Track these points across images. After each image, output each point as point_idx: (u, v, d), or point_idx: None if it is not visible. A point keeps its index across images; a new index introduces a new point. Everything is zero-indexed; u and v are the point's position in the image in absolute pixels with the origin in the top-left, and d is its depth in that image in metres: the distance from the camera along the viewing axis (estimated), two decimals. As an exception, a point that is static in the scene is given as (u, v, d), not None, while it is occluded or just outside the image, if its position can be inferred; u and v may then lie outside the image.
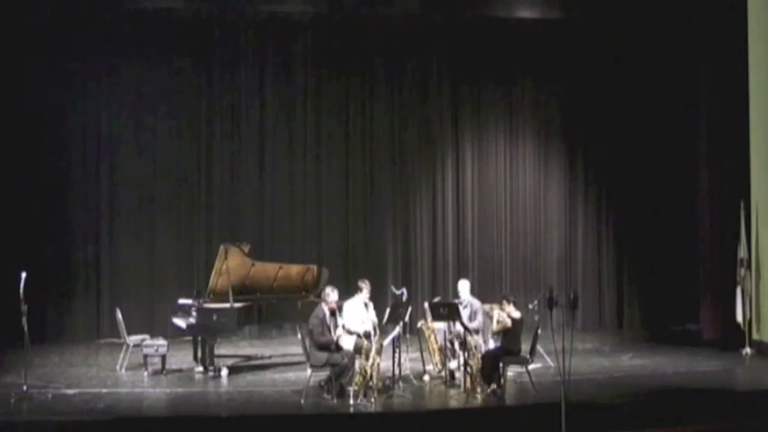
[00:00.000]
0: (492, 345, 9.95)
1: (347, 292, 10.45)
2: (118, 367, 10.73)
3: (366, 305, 10.31)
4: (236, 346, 12.65)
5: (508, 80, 14.64)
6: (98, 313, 13.38)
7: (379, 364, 9.06)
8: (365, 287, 10.35)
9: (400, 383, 9.54)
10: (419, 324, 10.51)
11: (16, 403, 8.92)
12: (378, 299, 12.11)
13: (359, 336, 9.79)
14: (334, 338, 9.30)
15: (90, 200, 13.56)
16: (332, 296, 9.50)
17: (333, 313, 9.55)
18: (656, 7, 13.93)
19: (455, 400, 9.34)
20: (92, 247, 13.51)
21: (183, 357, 11.29)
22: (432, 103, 14.47)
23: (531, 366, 9.62)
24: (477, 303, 10.46)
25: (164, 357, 10.49)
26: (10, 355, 10.84)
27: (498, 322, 9.66)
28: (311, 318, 9.38)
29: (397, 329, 9.67)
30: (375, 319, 10.05)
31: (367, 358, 8.97)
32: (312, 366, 9.23)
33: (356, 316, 10.10)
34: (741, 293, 12.16)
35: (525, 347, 9.67)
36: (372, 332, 9.50)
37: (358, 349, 9.35)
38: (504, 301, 9.77)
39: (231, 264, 10.49)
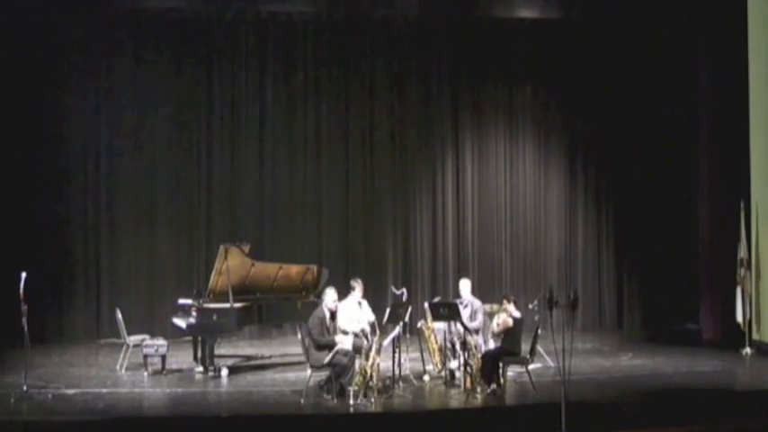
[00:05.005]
0: (492, 345, 9.95)
1: (346, 293, 10.43)
2: (118, 367, 10.73)
3: (360, 304, 10.34)
4: (236, 346, 12.67)
5: (508, 80, 14.63)
6: (98, 313, 13.38)
7: (379, 364, 9.06)
8: (358, 286, 10.39)
9: (400, 383, 9.55)
10: (419, 324, 10.50)
11: (16, 403, 8.93)
12: (378, 299, 12.21)
13: (356, 335, 9.82)
14: (335, 340, 9.29)
15: (90, 200, 13.56)
16: (330, 296, 9.48)
17: (333, 316, 9.55)
18: (656, 7, 13.93)
19: (455, 400, 9.34)
20: (92, 247, 13.51)
21: (183, 357, 11.29)
22: (432, 103, 14.46)
23: (531, 366, 9.63)
24: (477, 303, 10.48)
25: (164, 357, 10.49)
26: (10, 355, 10.84)
27: (498, 325, 9.66)
28: (311, 318, 9.39)
29: (397, 329, 9.68)
30: (372, 318, 10.09)
31: (367, 358, 8.98)
32: (312, 366, 9.23)
33: (351, 316, 10.13)
34: (741, 293, 12.17)
35: (525, 347, 9.67)
36: (369, 330, 9.53)
37: (358, 349, 9.35)
38: (505, 301, 9.78)
39: (231, 264, 10.49)
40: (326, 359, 9.08)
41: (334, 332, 9.50)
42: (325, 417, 8.64)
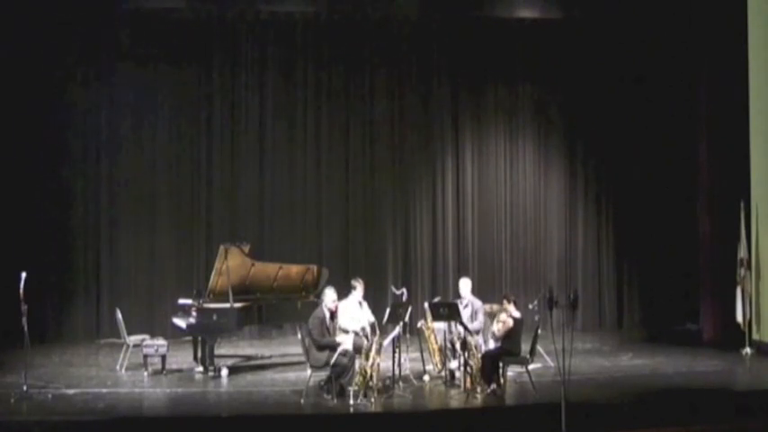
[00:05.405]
0: (492, 345, 9.95)
1: (346, 293, 10.43)
2: (118, 367, 10.73)
3: (360, 304, 10.33)
4: (236, 346, 12.67)
5: (508, 80, 14.64)
6: (98, 313, 13.38)
7: (379, 364, 9.06)
8: (359, 286, 10.39)
9: (400, 383, 9.55)
10: (419, 324, 10.50)
11: (16, 403, 8.93)
12: (378, 299, 12.22)
13: (356, 333, 9.82)
14: (336, 340, 9.27)
15: (90, 200, 13.57)
16: (329, 296, 9.48)
17: (332, 316, 9.54)
18: (656, 7, 13.93)
19: (455, 400, 9.34)
20: (92, 248, 13.51)
21: (183, 357, 11.29)
22: (432, 103, 14.46)
23: (531, 366, 9.62)
24: (478, 303, 10.46)
25: (164, 357, 10.49)
26: (10, 355, 10.83)
27: (499, 330, 9.64)
28: (311, 318, 9.38)
29: (397, 329, 9.68)
30: (371, 318, 10.09)
31: (367, 358, 8.98)
32: (312, 366, 9.23)
33: (351, 315, 10.13)
34: (741, 293, 12.16)
35: (525, 347, 9.67)
36: (369, 330, 9.51)
37: (358, 349, 9.35)
38: (505, 301, 9.78)
39: (231, 264, 10.49)
40: (332, 360, 9.07)
41: (335, 332, 9.50)
42: (325, 417, 8.64)
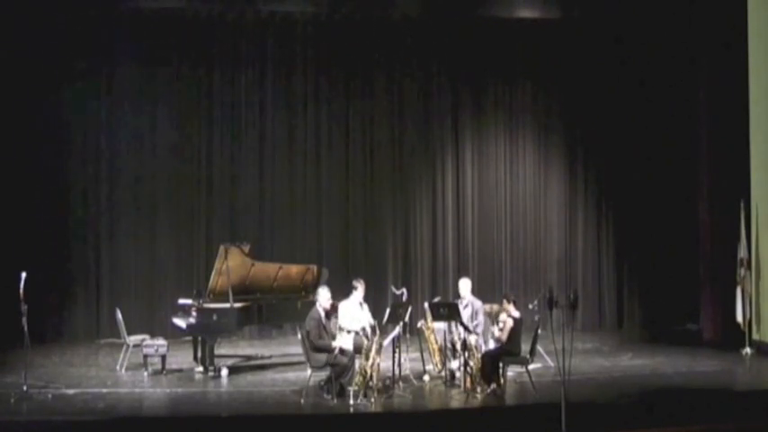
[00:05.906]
0: (492, 345, 9.95)
1: (347, 293, 10.42)
2: (118, 367, 10.74)
3: (361, 305, 10.32)
4: (236, 346, 12.66)
5: (508, 80, 14.64)
6: (98, 313, 13.38)
7: (379, 364, 9.06)
8: (360, 286, 10.38)
9: (400, 383, 9.55)
10: (419, 324, 10.50)
11: (16, 403, 8.93)
12: (378, 299, 12.22)
13: (356, 333, 9.82)
14: (331, 344, 9.25)
15: (90, 200, 13.57)
16: (324, 295, 9.47)
17: (328, 315, 9.53)
18: (656, 7, 13.93)
19: (455, 400, 9.34)
20: (92, 247, 13.51)
21: (183, 357, 11.29)
22: (432, 104, 14.47)
23: (531, 366, 9.63)
24: (478, 303, 10.46)
25: (164, 357, 10.50)
26: (10, 355, 10.84)
27: (500, 330, 9.64)
28: (307, 320, 9.36)
29: (397, 329, 9.68)
30: (372, 320, 10.09)
31: (367, 358, 8.98)
32: (312, 367, 9.23)
33: (352, 315, 10.13)
34: (741, 293, 12.16)
35: (525, 347, 9.67)
36: (369, 330, 9.51)
37: (358, 349, 9.35)
38: (505, 301, 9.78)
39: (231, 264, 10.50)
40: (324, 359, 9.07)
41: (332, 331, 9.50)
42: (326, 417, 8.64)
